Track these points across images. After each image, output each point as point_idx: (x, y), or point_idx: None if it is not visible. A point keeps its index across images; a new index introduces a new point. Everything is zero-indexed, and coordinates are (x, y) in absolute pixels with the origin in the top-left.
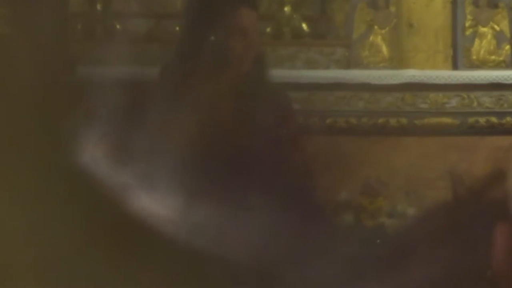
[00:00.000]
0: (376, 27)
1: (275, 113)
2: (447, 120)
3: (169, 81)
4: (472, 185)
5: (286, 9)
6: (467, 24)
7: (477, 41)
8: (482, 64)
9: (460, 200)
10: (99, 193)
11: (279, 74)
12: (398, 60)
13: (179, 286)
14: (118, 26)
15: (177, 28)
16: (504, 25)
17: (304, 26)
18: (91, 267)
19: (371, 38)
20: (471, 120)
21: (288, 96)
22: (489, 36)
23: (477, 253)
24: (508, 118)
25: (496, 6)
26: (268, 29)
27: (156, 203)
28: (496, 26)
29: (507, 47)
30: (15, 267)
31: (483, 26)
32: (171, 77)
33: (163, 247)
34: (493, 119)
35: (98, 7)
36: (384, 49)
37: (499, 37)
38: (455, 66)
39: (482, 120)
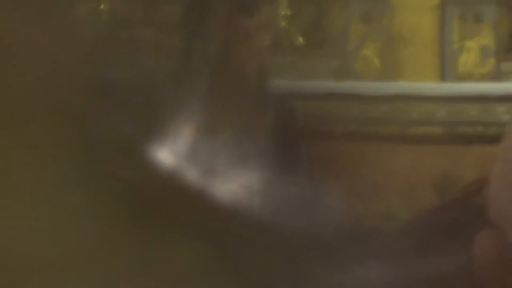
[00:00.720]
0: (369, 40)
1: (278, 121)
2: (435, 130)
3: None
4: (459, 192)
5: (282, 21)
6: (454, 38)
7: (463, 55)
8: (468, 77)
9: (448, 205)
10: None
11: (277, 84)
12: (389, 72)
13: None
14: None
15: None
16: (489, 39)
17: (299, 38)
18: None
19: (364, 50)
20: (458, 130)
21: (291, 105)
22: (475, 50)
23: (462, 258)
24: (493, 128)
25: (482, 21)
26: (266, 41)
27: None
28: (481, 40)
29: (492, 60)
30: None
31: (470, 40)
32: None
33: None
34: (479, 129)
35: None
36: (376, 61)
37: (484, 50)
38: (442, 79)
39: (469, 130)
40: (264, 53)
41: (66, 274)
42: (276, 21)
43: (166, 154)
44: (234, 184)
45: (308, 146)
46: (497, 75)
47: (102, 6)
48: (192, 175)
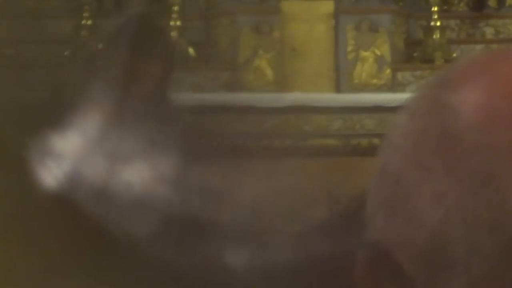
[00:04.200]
0: (260, 51)
1: (174, 134)
2: (330, 142)
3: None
4: (346, 206)
5: (173, 33)
6: (349, 48)
7: (359, 65)
8: (364, 87)
9: (334, 220)
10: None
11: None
12: (282, 84)
13: None
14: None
15: (65, 53)
16: (385, 49)
17: (190, 50)
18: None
19: (255, 62)
20: (353, 141)
21: (188, 118)
22: (371, 60)
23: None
24: None
25: (377, 31)
26: None
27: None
28: (377, 51)
29: (388, 71)
30: None
31: (365, 50)
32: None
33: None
34: (375, 141)
35: None
36: (269, 72)
37: (380, 61)
38: (338, 89)
39: (364, 142)
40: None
41: None
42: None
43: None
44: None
45: (200, 161)
46: (393, 85)
47: None
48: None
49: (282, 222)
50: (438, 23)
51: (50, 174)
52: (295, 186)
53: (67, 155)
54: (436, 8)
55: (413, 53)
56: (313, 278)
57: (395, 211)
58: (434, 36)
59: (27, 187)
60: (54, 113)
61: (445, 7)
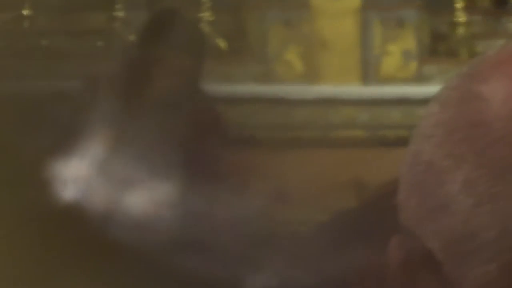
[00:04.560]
0: (290, 45)
1: (200, 125)
2: (357, 133)
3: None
4: (375, 195)
5: (203, 26)
6: (376, 42)
7: (385, 58)
8: (390, 80)
9: (363, 208)
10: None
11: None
12: (311, 76)
13: None
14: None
15: (99, 44)
16: (411, 43)
17: (221, 43)
18: None
19: (286, 55)
20: (380, 133)
21: (215, 109)
22: (397, 54)
23: (377, 261)
24: None
25: (403, 25)
26: None
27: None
28: (403, 44)
29: (414, 64)
30: None
31: (391, 44)
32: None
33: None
34: (401, 132)
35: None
36: (298, 65)
37: (406, 54)
38: (365, 82)
39: (390, 133)
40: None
41: None
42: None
43: (79, 166)
44: (148, 196)
45: (229, 152)
46: (419, 79)
47: (24, 12)
48: (105, 188)
49: (311, 212)
50: (463, 19)
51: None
52: (324, 176)
53: (97, 148)
54: (460, 4)
55: (438, 47)
56: (343, 267)
57: (427, 197)
58: (459, 31)
59: (40, 190)
60: (84, 104)
61: (469, 3)
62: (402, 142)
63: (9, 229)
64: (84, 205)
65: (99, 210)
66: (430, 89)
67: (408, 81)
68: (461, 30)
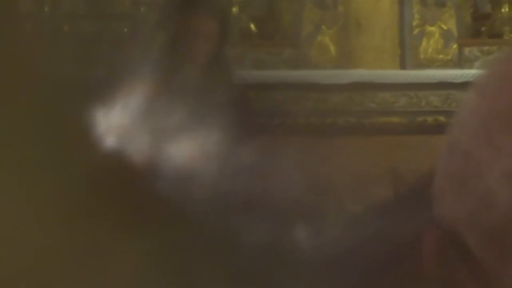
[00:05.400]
0: (323, 26)
1: (232, 111)
2: (395, 119)
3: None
4: (413, 184)
5: (234, 9)
6: (414, 23)
7: (424, 40)
8: (429, 63)
9: (401, 198)
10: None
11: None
12: (346, 60)
13: None
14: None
15: (125, 30)
16: (452, 24)
17: (252, 26)
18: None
19: (319, 37)
20: (419, 119)
21: (247, 96)
22: (437, 35)
23: (412, 251)
24: None
25: (443, 5)
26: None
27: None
28: (443, 25)
29: (455, 46)
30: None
31: (431, 25)
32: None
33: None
34: (441, 118)
35: (46, 8)
36: (332, 48)
37: (446, 36)
38: (402, 66)
39: (430, 119)
40: (225, 51)
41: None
42: (227, 8)
43: (120, 118)
44: (190, 147)
45: (262, 138)
46: (460, 61)
47: None
48: (146, 138)
49: (346, 201)
50: None
51: (104, 144)
52: (360, 164)
53: (121, 124)
54: None
55: (480, 27)
56: (378, 259)
57: (465, 189)
58: (503, 10)
59: (80, 158)
60: (111, 83)
61: None
62: (442, 129)
63: (53, 189)
64: (128, 158)
65: (143, 163)
66: (472, 72)
67: (448, 64)
68: (505, 9)
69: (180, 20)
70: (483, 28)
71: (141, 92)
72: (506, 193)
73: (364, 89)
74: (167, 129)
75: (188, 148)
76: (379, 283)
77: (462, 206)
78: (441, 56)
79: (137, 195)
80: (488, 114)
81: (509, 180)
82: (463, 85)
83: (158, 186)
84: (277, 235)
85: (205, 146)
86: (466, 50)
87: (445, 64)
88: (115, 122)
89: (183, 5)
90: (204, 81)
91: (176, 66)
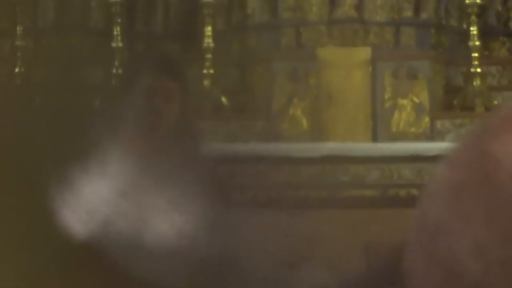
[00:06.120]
0: (295, 99)
1: (197, 180)
2: (367, 192)
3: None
4: (385, 257)
5: (206, 82)
6: (386, 96)
7: (396, 113)
8: (402, 136)
9: (373, 271)
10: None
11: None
12: (318, 133)
13: None
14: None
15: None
16: (424, 96)
17: (223, 99)
18: None
19: (291, 110)
20: (391, 192)
21: (214, 167)
22: (409, 108)
23: None
24: None
25: (415, 77)
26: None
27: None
28: (415, 98)
29: (427, 119)
30: None
31: (403, 98)
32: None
33: None
34: (414, 191)
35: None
36: (304, 121)
37: (418, 109)
38: (375, 138)
39: (402, 192)
40: (193, 115)
41: None
42: (198, 81)
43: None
44: (158, 224)
45: (231, 212)
46: (432, 134)
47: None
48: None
49: (319, 274)
50: (479, 70)
51: (77, 219)
52: (332, 237)
53: (94, 199)
54: (476, 54)
55: (452, 100)
56: None
57: (435, 262)
58: (475, 83)
59: (54, 229)
60: (83, 152)
61: (486, 53)
62: (415, 202)
63: (25, 259)
64: (103, 238)
65: (119, 243)
66: (444, 145)
67: (420, 137)
68: (477, 82)
69: (141, 82)
70: (455, 101)
71: (110, 163)
72: (475, 265)
73: (336, 162)
74: (136, 204)
75: (157, 225)
76: None
77: (432, 278)
78: (413, 129)
79: (108, 273)
80: (459, 185)
81: (478, 251)
82: (435, 158)
83: (134, 263)
84: None
85: (174, 223)
86: (438, 123)
87: (417, 137)
88: (83, 200)
89: (144, 67)
90: (171, 149)
91: (142, 135)
